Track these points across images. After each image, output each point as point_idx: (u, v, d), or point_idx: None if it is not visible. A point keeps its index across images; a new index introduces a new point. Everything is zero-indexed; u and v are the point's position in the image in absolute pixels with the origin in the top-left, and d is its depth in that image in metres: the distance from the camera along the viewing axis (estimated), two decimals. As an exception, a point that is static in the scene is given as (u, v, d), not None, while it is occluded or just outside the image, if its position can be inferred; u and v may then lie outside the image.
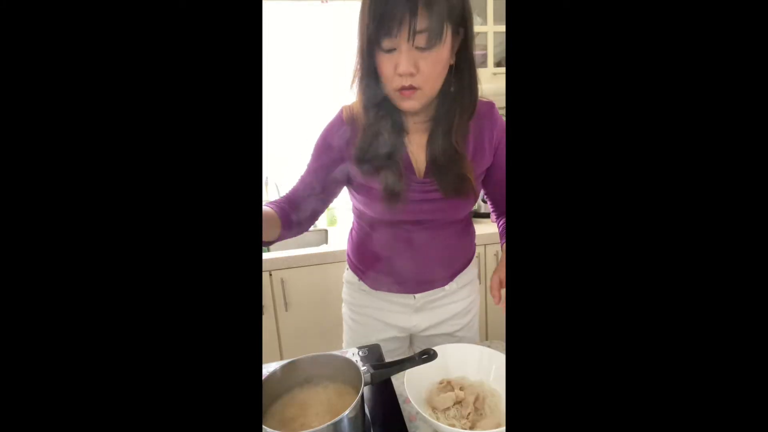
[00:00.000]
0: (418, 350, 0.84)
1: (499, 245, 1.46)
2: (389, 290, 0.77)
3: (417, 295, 0.77)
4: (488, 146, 0.68)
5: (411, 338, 0.85)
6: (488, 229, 1.47)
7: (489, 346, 0.65)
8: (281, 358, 1.40)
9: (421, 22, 0.51)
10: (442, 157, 0.63)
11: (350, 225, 0.83)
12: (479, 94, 0.64)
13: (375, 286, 0.78)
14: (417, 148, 0.66)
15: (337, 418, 0.45)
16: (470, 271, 0.82)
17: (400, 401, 0.58)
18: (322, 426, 0.45)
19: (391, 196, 0.63)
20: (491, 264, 1.50)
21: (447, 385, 0.61)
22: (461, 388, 0.60)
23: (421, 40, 0.52)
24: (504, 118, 0.66)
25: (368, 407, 0.56)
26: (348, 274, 0.83)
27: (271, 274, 1.34)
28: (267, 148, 1.67)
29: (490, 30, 1.51)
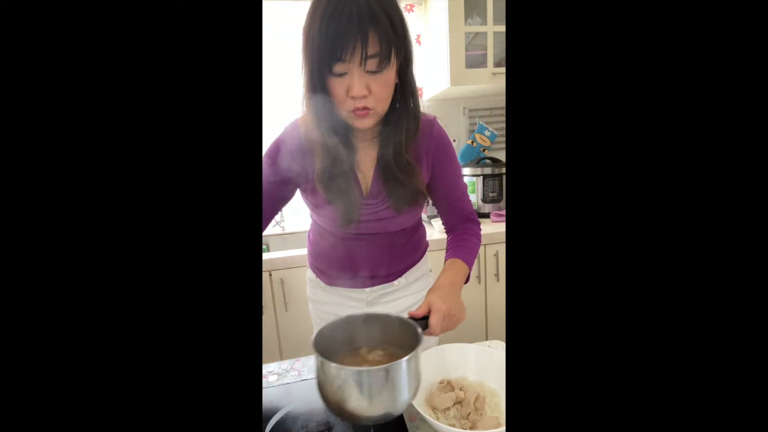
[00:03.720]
0: None
1: (500, 245, 1.48)
2: (341, 285, 0.81)
3: (367, 290, 0.81)
4: (425, 161, 0.70)
5: None
6: (488, 229, 1.47)
7: (489, 346, 0.65)
8: (281, 358, 1.40)
9: (372, 47, 0.53)
10: (396, 170, 0.65)
11: None
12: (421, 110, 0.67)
13: (329, 282, 0.82)
14: (363, 165, 0.68)
15: (396, 361, 0.43)
16: (421, 267, 0.85)
17: (400, 401, 0.58)
18: (380, 366, 0.43)
19: (347, 220, 0.67)
20: (491, 264, 1.50)
21: (447, 385, 0.61)
22: (461, 388, 0.60)
23: (372, 64, 0.54)
24: (444, 132, 0.71)
25: (368, 407, 0.56)
26: (309, 273, 0.88)
27: (271, 274, 1.34)
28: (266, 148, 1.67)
29: (490, 30, 1.51)
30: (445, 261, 0.71)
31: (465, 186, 0.77)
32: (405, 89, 0.63)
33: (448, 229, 0.80)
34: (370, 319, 0.56)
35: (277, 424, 0.55)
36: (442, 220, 0.81)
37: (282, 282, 1.34)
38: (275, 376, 0.65)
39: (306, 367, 0.67)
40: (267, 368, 0.68)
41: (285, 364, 0.69)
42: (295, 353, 1.38)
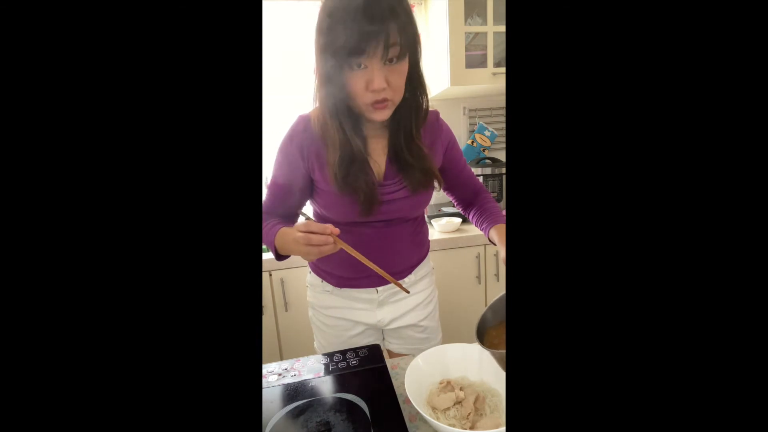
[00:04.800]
0: (390, 344, 0.88)
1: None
2: (353, 286, 0.80)
3: (379, 289, 0.80)
4: (439, 149, 0.77)
5: (383, 333, 0.89)
6: (488, 229, 1.47)
7: (489, 346, 0.65)
8: (281, 358, 1.40)
9: (393, 39, 0.56)
10: (408, 155, 0.69)
11: None
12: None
13: (339, 284, 0.80)
14: (375, 153, 0.71)
15: None
16: (427, 264, 0.87)
17: (400, 401, 0.58)
18: None
19: (368, 205, 0.68)
20: (491, 264, 1.50)
21: (447, 385, 0.61)
22: (461, 388, 0.60)
23: (392, 53, 0.57)
24: (447, 124, 0.80)
25: (368, 408, 0.56)
26: (311, 277, 0.86)
27: (271, 274, 1.34)
28: (267, 149, 1.67)
29: (490, 30, 1.51)
30: (490, 230, 0.75)
31: (470, 167, 0.87)
32: (413, 80, 0.65)
33: (466, 205, 0.87)
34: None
35: (277, 424, 0.55)
36: (457, 200, 0.88)
37: (282, 282, 1.34)
38: (275, 376, 0.65)
39: (306, 367, 0.67)
40: (267, 368, 0.68)
41: (285, 364, 0.69)
42: (295, 353, 1.38)
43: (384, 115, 0.63)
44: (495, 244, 0.74)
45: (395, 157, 0.70)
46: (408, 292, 0.70)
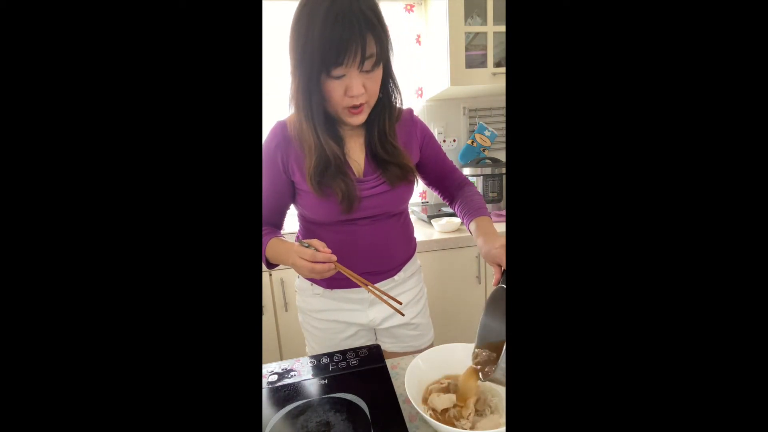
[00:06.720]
0: (383, 344, 0.87)
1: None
2: (344, 286, 0.80)
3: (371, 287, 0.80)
4: (415, 144, 0.80)
5: (375, 333, 0.89)
6: (488, 229, 1.47)
7: (489, 346, 0.65)
8: (281, 358, 1.40)
9: (369, 50, 0.58)
10: (383, 153, 0.72)
11: None
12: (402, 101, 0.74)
13: (330, 285, 0.80)
14: (353, 152, 0.74)
15: None
16: (415, 262, 0.88)
17: (400, 401, 0.58)
18: None
19: (348, 202, 0.70)
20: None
21: (447, 386, 0.61)
22: (461, 388, 0.59)
23: (368, 64, 0.60)
24: (422, 121, 0.83)
25: (368, 408, 0.56)
26: (299, 282, 0.86)
27: (271, 274, 1.34)
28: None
29: (490, 30, 1.51)
30: (471, 222, 0.76)
31: (451, 161, 0.88)
32: (387, 82, 0.69)
33: (451, 199, 0.88)
34: (495, 298, 0.60)
35: (277, 424, 0.55)
36: (442, 194, 0.89)
37: (282, 282, 1.34)
38: (275, 376, 0.65)
39: (306, 367, 0.67)
40: (267, 368, 0.68)
41: (285, 364, 0.69)
42: (295, 353, 1.38)
43: (360, 119, 0.66)
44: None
45: (372, 155, 0.73)
46: (403, 314, 0.70)
